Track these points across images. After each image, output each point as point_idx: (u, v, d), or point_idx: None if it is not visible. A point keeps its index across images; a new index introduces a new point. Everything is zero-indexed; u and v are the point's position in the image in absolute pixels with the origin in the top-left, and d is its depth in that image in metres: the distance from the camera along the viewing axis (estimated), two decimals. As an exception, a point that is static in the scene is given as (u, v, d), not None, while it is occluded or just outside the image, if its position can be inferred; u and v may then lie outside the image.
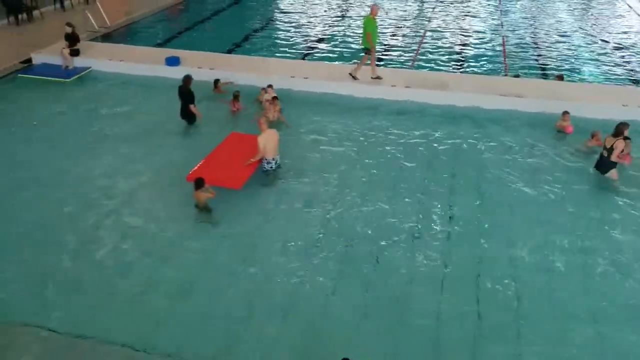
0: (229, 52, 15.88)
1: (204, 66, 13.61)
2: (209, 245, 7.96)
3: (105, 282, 7.28)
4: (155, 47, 15.82)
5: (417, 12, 21.06)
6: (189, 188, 8.64)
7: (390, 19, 19.76)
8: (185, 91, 11.12)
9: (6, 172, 9.68)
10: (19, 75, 13.81)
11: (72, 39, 14.10)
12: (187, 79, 11.17)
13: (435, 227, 8.33)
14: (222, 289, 7.16)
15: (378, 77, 12.91)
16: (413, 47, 16.66)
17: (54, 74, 13.80)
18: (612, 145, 9.07)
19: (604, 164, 9.31)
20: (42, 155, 10.28)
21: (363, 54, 12.81)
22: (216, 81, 12.71)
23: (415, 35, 17.86)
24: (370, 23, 12.19)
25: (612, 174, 9.28)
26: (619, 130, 9.09)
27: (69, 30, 14.06)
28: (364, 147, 10.55)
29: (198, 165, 9.12)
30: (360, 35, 14.07)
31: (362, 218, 8.49)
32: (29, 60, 14.53)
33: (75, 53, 14.15)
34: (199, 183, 8.33)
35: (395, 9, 21.26)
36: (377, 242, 7.97)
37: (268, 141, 9.00)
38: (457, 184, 9.39)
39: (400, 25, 19.03)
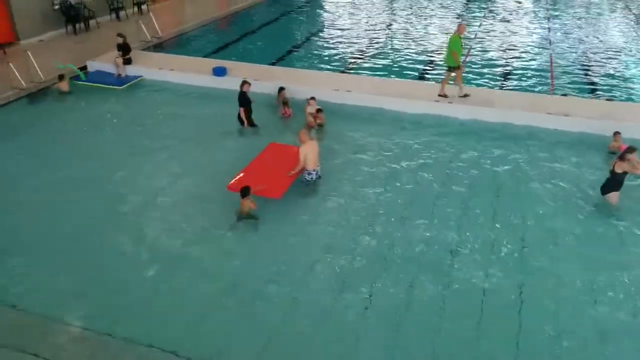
0: (274, 63, 16.19)
1: (249, 77, 13.87)
2: (246, 253, 8.08)
3: (140, 285, 7.46)
4: (203, 58, 16.29)
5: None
6: (229, 196, 8.85)
7: (435, 34, 19.71)
8: (239, 95, 11.59)
9: (51, 171, 10.19)
10: (75, 81, 14.50)
11: (123, 49, 14.73)
12: (241, 83, 11.66)
13: (473, 250, 8.15)
14: (254, 298, 7.22)
15: (466, 95, 12.70)
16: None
17: (107, 81, 14.43)
18: (613, 167, 8.79)
19: (605, 185, 9.01)
20: (86, 157, 10.75)
21: (446, 71, 12.72)
22: (280, 89, 12.84)
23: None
24: (456, 41, 12.08)
25: (611, 197, 8.91)
26: (623, 156, 8.74)
27: (120, 40, 14.69)
28: (405, 163, 10.48)
29: (238, 176, 9.30)
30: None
31: (399, 235, 8.42)
32: (84, 68, 15.24)
33: (127, 62, 14.76)
34: (244, 192, 8.48)
35: (440, 24, 21.18)
36: (412, 263, 7.83)
37: (309, 152, 9.11)
38: (500, 204, 9.17)
39: (445, 39, 18.92)
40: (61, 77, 13.66)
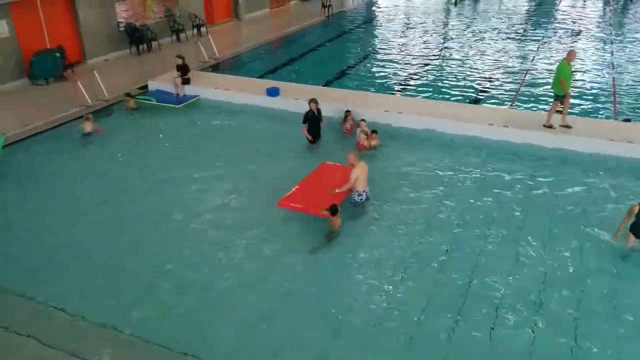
0: (326, 84, 16.35)
1: (301, 97, 14.08)
2: (291, 270, 8.09)
3: (185, 298, 7.57)
4: (257, 78, 16.69)
5: (519, 49, 20.50)
6: (280, 212, 8.94)
7: (490, 54, 19.41)
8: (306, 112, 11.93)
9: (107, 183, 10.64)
10: (137, 99, 15.16)
11: (182, 70, 15.28)
12: (308, 101, 11.96)
13: (525, 282, 7.79)
14: (299, 318, 7.18)
15: (567, 126, 11.86)
16: (514, 85, 16.18)
17: (166, 100, 15.00)
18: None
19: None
20: (140, 171, 11.16)
21: (553, 100, 12.05)
22: (347, 112, 12.85)
23: (517, 73, 17.36)
24: (564, 68, 11.42)
25: (627, 236, 8.23)
26: None
27: (179, 61, 15.26)
28: (457, 187, 10.27)
29: (289, 192, 9.41)
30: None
31: (446, 263, 8.18)
32: (145, 87, 15.93)
33: (186, 82, 15.31)
34: (334, 210, 8.57)
35: (495, 47, 20.85)
36: (459, 292, 7.55)
37: (360, 175, 9.11)
38: (555, 236, 8.73)
39: (500, 61, 18.60)
40: (129, 95, 14.34)
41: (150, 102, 14.95)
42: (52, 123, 13.41)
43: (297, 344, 6.75)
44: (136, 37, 19.34)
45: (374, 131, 11.86)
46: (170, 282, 7.88)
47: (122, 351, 6.71)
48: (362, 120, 12.21)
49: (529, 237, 8.69)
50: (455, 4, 30.78)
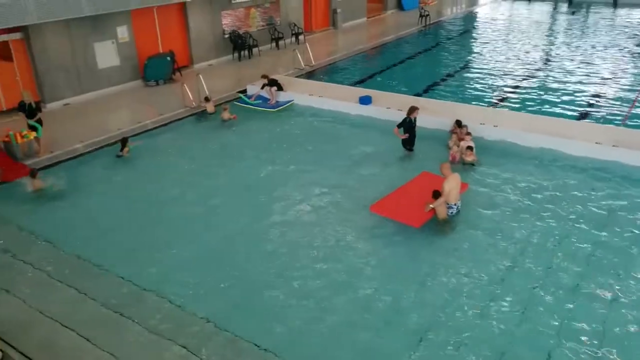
0: (420, 94, 16.15)
1: (392, 106, 14.04)
2: (378, 274, 8.11)
3: (268, 292, 7.77)
4: (350, 86, 16.85)
5: (634, 63, 18.96)
6: (371, 217, 9.01)
7: (601, 67, 18.15)
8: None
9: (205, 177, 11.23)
10: (235, 102, 15.94)
11: (271, 83, 15.59)
12: (410, 108, 12.01)
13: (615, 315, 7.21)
14: (383, 323, 7.15)
15: None
16: (627, 101, 14.98)
17: (263, 104, 15.61)
18: None
19: None
20: (238, 169, 11.72)
21: None
22: (459, 122, 12.53)
23: (631, 89, 16.06)
24: None
25: None
26: None
27: (265, 81, 15.68)
28: (553, 208, 9.63)
29: (384, 197, 9.46)
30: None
31: (538, 284, 7.74)
32: (244, 90, 16.68)
33: (279, 88, 15.82)
34: (437, 194, 8.94)
35: (607, 56, 19.46)
36: (552, 315, 7.14)
37: (453, 187, 8.91)
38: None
39: (613, 75, 17.32)
40: (207, 99, 15.05)
41: (249, 105, 15.64)
42: (161, 121, 14.45)
43: (380, 349, 6.73)
44: (239, 44, 20.32)
45: (469, 147, 11.50)
46: (251, 278, 8.15)
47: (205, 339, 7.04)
48: (468, 133, 11.93)
49: (622, 262, 8.02)
50: (573, 13, 29.12)
